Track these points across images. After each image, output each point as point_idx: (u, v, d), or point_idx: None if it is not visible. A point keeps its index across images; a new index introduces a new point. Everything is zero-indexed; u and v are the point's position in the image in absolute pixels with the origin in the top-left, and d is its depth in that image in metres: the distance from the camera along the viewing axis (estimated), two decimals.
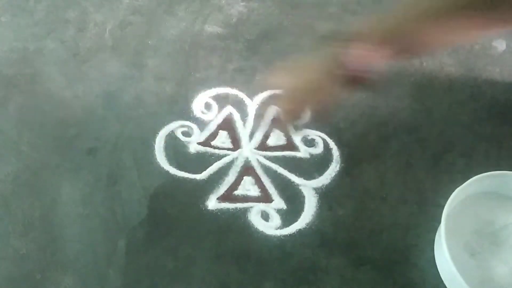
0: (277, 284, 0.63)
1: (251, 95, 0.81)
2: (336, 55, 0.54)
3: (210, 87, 0.82)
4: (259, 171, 0.72)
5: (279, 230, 0.67)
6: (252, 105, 0.80)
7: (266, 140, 0.76)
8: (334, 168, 0.73)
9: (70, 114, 0.78)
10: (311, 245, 0.66)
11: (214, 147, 0.75)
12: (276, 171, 0.72)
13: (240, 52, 0.87)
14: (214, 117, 0.78)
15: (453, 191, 0.61)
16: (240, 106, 0.80)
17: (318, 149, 0.75)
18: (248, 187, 0.71)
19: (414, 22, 0.51)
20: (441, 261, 0.62)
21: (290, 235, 0.67)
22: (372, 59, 0.53)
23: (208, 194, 0.70)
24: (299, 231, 0.67)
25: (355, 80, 0.54)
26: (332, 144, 0.75)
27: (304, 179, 0.72)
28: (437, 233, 0.64)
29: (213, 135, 0.76)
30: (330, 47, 0.55)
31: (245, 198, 0.70)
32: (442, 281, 0.62)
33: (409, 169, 0.72)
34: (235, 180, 0.71)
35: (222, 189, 0.71)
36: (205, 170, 0.72)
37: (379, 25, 0.53)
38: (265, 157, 0.74)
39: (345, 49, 0.53)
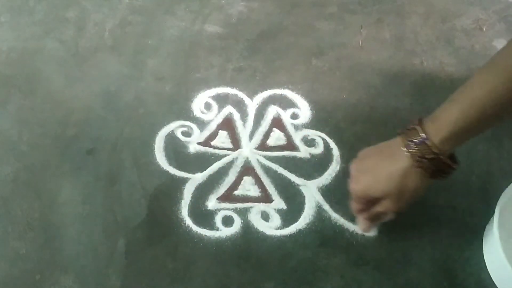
0: (277, 285, 0.62)
1: (251, 95, 0.81)
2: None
3: (210, 87, 0.82)
4: (259, 171, 0.72)
5: (279, 230, 0.67)
6: (252, 105, 0.80)
7: (266, 140, 0.76)
8: (334, 168, 0.73)
9: (69, 114, 0.78)
10: (311, 245, 0.66)
11: (214, 147, 0.75)
12: (276, 171, 0.72)
13: (240, 52, 0.87)
14: (214, 117, 0.78)
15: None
16: (240, 106, 0.80)
17: (318, 149, 0.75)
18: (248, 187, 0.71)
19: None
20: (490, 253, 0.61)
21: (290, 235, 0.67)
22: None
23: (208, 194, 0.70)
24: (299, 231, 0.67)
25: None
26: (332, 144, 0.75)
27: (304, 179, 0.72)
28: (487, 226, 0.63)
29: (213, 135, 0.76)
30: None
31: (245, 198, 0.70)
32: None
33: None
34: (235, 180, 0.71)
35: (222, 189, 0.70)
36: (205, 170, 0.72)
37: None
38: (265, 157, 0.74)
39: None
